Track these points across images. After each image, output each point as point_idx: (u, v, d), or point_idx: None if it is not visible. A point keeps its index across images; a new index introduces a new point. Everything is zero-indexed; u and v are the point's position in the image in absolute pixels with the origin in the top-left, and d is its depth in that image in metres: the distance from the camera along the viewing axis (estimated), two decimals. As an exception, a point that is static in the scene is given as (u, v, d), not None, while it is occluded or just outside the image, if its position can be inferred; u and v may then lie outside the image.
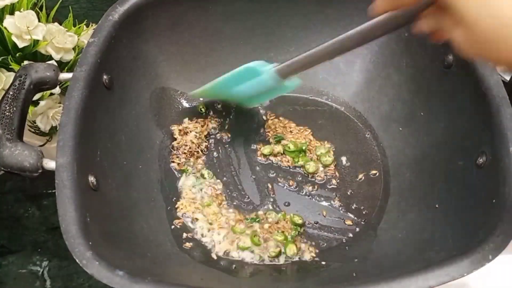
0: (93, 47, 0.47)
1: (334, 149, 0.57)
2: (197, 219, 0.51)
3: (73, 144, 0.41)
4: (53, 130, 0.55)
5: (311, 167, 0.55)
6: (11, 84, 0.45)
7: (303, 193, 0.54)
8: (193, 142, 0.57)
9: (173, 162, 0.56)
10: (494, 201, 0.40)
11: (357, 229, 0.52)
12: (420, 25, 0.36)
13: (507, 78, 0.60)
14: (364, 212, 0.53)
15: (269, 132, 0.59)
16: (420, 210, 0.49)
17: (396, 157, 0.56)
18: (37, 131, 0.55)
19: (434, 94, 0.52)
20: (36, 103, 0.53)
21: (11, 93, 0.44)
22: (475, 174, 0.44)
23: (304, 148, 0.56)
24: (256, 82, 0.51)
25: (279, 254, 0.49)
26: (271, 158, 0.57)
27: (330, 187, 0.55)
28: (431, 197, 0.49)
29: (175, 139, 0.57)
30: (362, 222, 0.52)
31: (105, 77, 0.48)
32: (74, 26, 0.56)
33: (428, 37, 0.36)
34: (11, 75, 0.51)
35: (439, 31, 0.34)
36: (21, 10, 0.51)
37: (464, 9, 0.29)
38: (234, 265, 0.48)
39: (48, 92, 0.52)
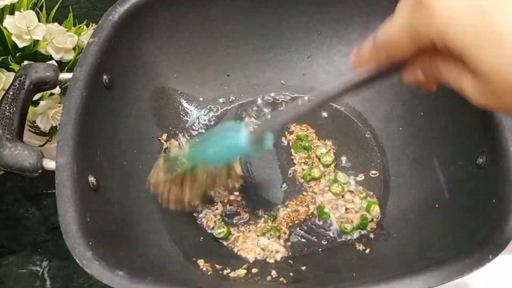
0: (93, 47, 0.47)
1: (334, 149, 0.57)
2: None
3: (73, 144, 0.41)
4: (53, 130, 0.55)
5: (316, 172, 0.55)
6: (11, 84, 0.45)
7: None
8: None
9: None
10: (494, 201, 0.40)
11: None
12: (412, 74, 0.29)
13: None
14: (364, 212, 0.53)
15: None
16: (420, 210, 0.49)
17: (396, 157, 0.56)
18: (37, 131, 0.55)
19: (434, 94, 0.52)
20: (36, 103, 0.53)
21: (11, 93, 0.44)
22: (475, 174, 0.44)
23: (307, 145, 0.57)
24: (232, 155, 0.46)
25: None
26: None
27: (330, 187, 0.55)
28: (431, 197, 0.49)
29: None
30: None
31: (105, 77, 0.48)
32: (74, 26, 0.56)
33: (420, 86, 0.31)
34: (11, 75, 0.51)
35: (437, 79, 0.29)
36: (21, 10, 0.51)
37: (479, 58, 0.23)
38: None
39: (48, 92, 0.52)
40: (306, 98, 0.36)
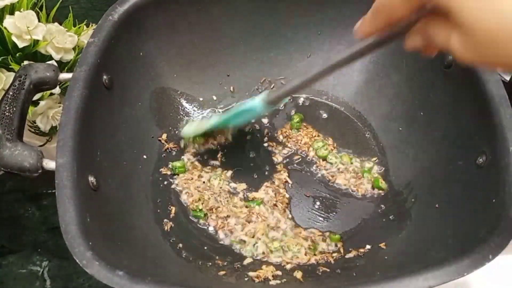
0: (93, 47, 0.47)
1: (334, 149, 0.57)
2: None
3: (73, 144, 0.41)
4: (53, 130, 0.55)
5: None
6: (11, 84, 0.45)
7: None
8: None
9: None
10: (494, 201, 0.40)
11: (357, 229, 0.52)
12: (412, 40, 0.31)
13: (507, 78, 0.60)
14: (364, 212, 0.53)
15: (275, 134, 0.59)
16: (420, 210, 0.49)
17: (396, 157, 0.56)
18: (37, 131, 0.55)
19: (434, 94, 0.52)
20: (36, 103, 0.53)
21: (11, 93, 0.44)
22: (475, 174, 0.44)
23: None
24: (249, 116, 0.52)
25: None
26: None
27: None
28: (431, 197, 0.49)
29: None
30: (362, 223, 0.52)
31: (105, 77, 0.48)
32: (74, 26, 0.56)
33: (421, 52, 0.32)
34: (11, 75, 0.51)
35: (433, 43, 0.30)
36: (21, 10, 0.51)
37: (462, 10, 0.25)
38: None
39: (48, 92, 0.52)
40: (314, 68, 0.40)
